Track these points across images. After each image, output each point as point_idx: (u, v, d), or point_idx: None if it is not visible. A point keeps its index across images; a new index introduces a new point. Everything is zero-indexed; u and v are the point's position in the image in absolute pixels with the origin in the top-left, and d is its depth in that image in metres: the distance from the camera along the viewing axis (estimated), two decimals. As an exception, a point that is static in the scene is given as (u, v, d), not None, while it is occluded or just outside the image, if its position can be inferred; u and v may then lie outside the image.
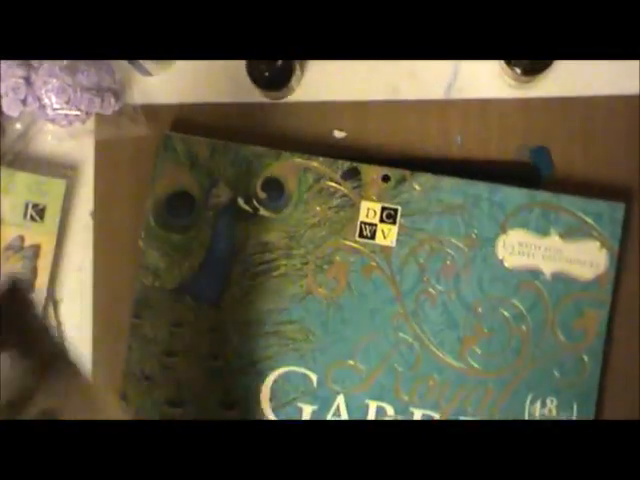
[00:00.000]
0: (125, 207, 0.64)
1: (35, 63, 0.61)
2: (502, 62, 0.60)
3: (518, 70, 0.59)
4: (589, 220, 0.59)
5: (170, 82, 0.64)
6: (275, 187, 0.62)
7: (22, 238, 0.62)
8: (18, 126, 0.64)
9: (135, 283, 0.62)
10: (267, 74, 0.61)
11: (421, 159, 0.62)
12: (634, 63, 0.60)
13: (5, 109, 0.61)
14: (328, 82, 0.63)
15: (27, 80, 0.60)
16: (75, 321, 0.64)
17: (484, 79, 0.62)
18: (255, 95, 0.63)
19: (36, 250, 0.62)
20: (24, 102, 0.61)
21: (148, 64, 0.62)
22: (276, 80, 0.61)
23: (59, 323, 0.65)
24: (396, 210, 0.60)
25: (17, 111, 0.61)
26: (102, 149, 0.64)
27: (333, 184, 0.61)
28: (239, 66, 0.62)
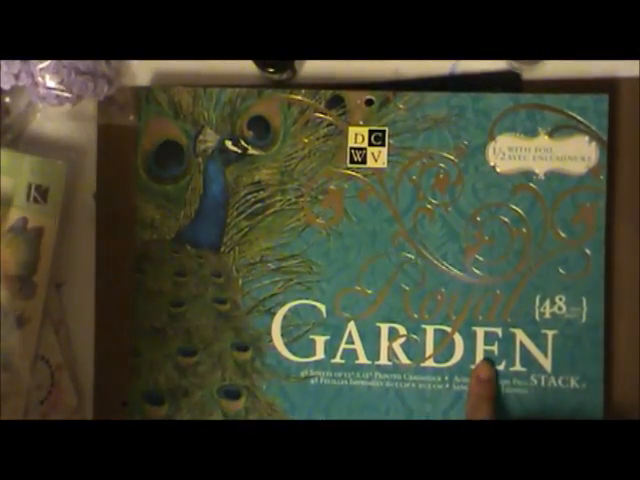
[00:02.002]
0: (128, 189, 0.63)
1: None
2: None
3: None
4: (575, 115, 0.59)
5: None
6: (261, 125, 0.62)
7: (25, 220, 0.61)
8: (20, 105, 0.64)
9: (134, 240, 0.62)
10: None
11: (402, 80, 0.62)
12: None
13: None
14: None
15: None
16: (78, 303, 0.64)
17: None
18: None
19: (39, 232, 0.62)
20: (17, 77, 0.60)
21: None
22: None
23: (62, 305, 0.64)
24: (383, 132, 0.60)
25: (8, 84, 0.61)
26: (105, 130, 0.64)
27: (318, 114, 0.61)
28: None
